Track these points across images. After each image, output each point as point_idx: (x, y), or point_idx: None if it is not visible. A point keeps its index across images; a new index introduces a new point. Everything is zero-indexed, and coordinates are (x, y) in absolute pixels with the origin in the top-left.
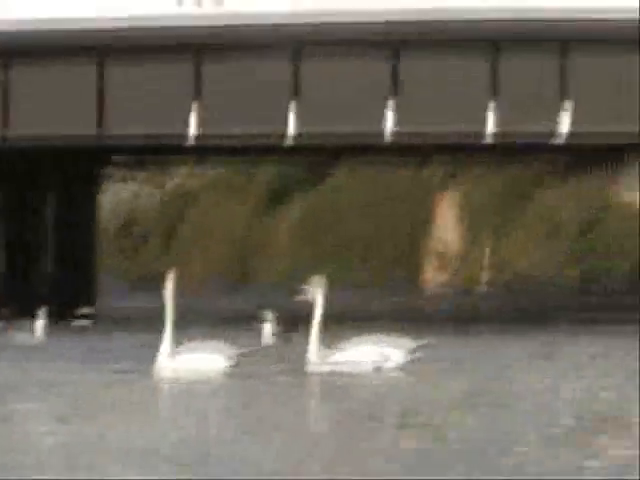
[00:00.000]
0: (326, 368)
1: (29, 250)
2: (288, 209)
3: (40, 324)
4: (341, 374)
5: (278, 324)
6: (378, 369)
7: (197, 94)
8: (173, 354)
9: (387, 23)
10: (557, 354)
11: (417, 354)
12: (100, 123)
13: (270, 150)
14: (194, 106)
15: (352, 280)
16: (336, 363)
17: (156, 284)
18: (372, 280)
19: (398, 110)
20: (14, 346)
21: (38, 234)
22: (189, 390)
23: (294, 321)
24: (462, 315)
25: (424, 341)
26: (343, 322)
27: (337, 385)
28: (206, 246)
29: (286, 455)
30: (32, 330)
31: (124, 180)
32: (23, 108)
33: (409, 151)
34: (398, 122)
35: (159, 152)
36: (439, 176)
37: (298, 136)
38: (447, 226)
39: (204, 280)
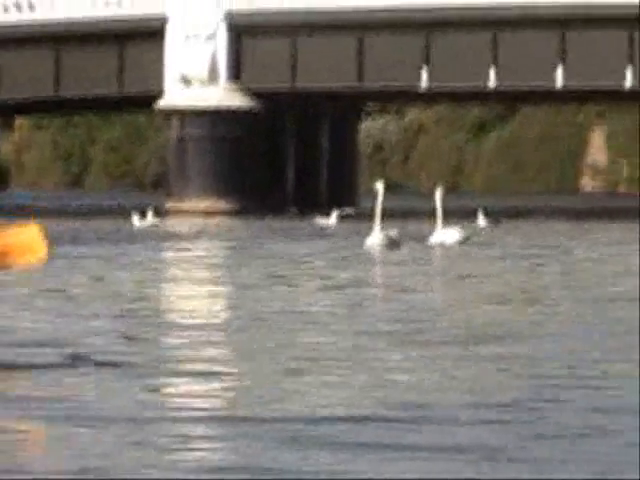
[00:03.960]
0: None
1: (311, 166)
2: (488, 138)
3: (334, 215)
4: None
5: (486, 216)
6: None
7: (427, 60)
8: (376, 236)
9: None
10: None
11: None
12: (360, 77)
13: (475, 96)
14: (424, 69)
15: (529, 188)
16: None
17: (398, 191)
18: (542, 188)
19: (566, 70)
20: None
21: (316, 155)
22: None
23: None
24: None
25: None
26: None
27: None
28: (430, 164)
29: None
30: (327, 219)
31: (377, 114)
32: (309, 69)
33: (572, 98)
34: (566, 78)
35: (395, 99)
36: (592, 115)
37: (495, 88)
38: (597, 150)
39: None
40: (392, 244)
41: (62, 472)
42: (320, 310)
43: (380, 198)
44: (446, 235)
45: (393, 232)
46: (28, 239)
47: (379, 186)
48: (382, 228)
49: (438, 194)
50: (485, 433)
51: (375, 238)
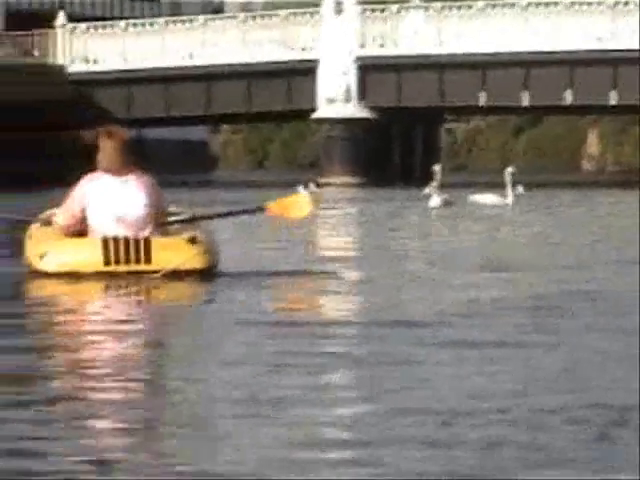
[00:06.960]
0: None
1: (409, 156)
2: (523, 137)
3: (429, 187)
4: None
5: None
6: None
7: (483, 86)
8: (435, 199)
9: None
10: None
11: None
12: (442, 98)
13: (514, 110)
14: (482, 92)
15: (548, 169)
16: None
17: (464, 171)
18: (557, 168)
19: (573, 93)
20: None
21: (413, 149)
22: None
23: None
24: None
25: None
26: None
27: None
28: (485, 154)
29: None
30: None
31: (451, 122)
32: (409, 93)
33: (576, 111)
34: (573, 98)
35: (463, 112)
36: (589, 121)
37: (527, 105)
38: (592, 144)
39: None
40: (447, 204)
41: None
42: (415, 246)
43: (438, 175)
44: (486, 198)
45: (447, 196)
46: (297, 202)
47: (436, 167)
48: (439, 194)
49: (509, 170)
50: None
51: (435, 200)
